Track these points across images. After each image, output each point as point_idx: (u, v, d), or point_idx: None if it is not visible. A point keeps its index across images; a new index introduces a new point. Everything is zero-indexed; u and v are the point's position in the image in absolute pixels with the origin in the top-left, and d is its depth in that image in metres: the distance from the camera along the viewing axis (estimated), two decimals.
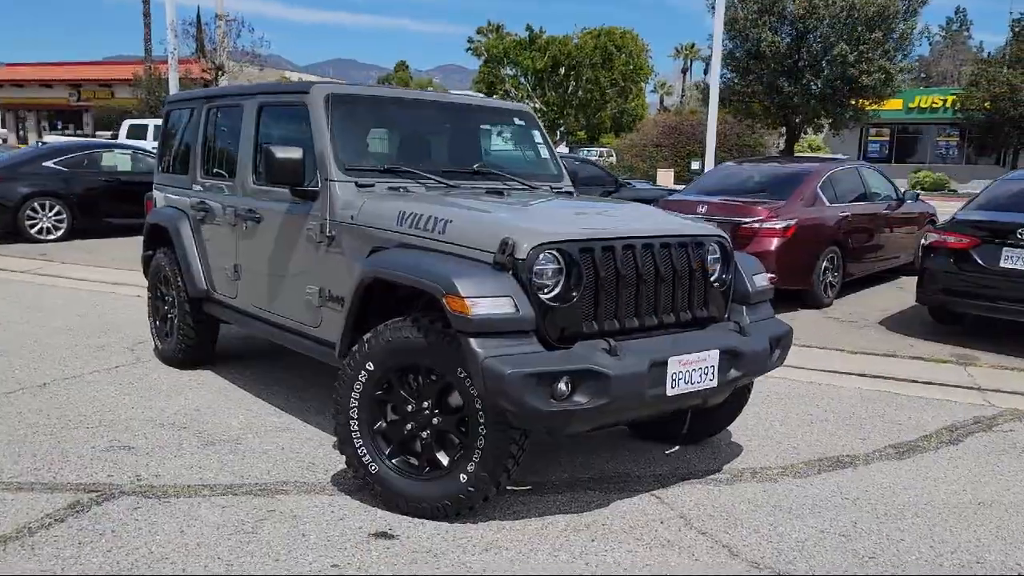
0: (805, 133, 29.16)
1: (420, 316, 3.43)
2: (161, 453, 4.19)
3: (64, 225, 12.61)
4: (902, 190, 10.55)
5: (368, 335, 3.56)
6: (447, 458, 3.46)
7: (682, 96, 69.75)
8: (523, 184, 4.73)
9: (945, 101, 37.82)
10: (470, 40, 47.97)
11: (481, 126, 5.04)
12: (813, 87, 25.69)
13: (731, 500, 3.81)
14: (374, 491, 3.58)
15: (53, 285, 9.14)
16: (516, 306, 3.21)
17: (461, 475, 3.37)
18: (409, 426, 3.52)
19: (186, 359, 5.74)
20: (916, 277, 7.83)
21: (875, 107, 27.61)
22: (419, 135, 4.88)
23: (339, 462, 4.07)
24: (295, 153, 4.13)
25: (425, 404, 3.47)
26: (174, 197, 5.80)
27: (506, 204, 4.14)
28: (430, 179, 4.39)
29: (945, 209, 12.23)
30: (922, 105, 38.97)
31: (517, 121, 5.09)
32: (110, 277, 9.68)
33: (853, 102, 26.05)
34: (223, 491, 3.74)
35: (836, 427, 4.92)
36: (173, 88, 17.58)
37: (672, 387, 3.40)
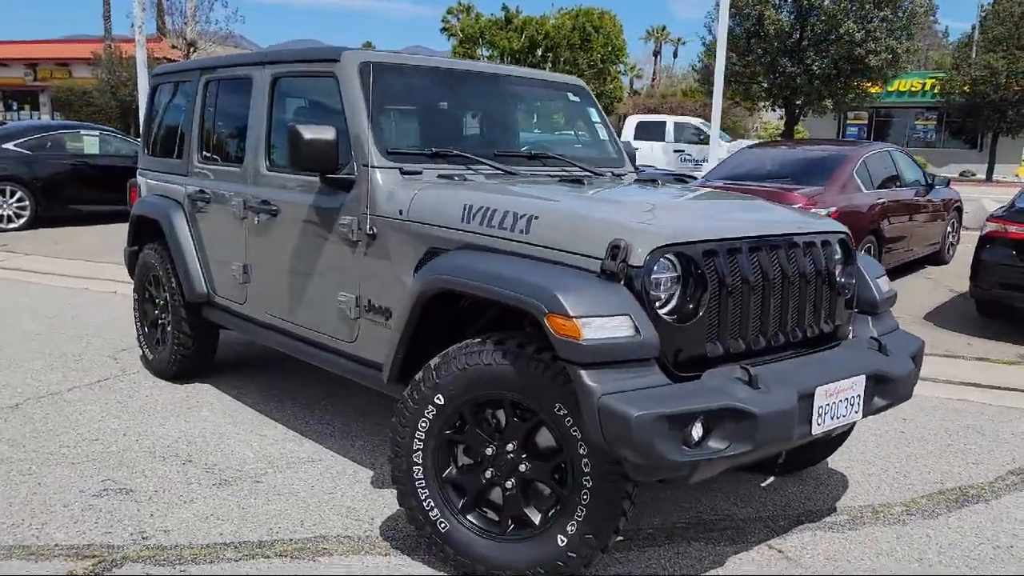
0: (805, 116, 28.53)
1: (505, 337, 2.74)
2: (166, 497, 3.46)
3: (27, 213, 11.65)
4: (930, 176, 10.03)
5: (435, 361, 2.87)
6: (538, 515, 2.78)
7: (653, 79, 69.35)
8: (587, 170, 4.05)
9: (924, 85, 37.67)
10: (444, 20, 46.83)
11: (533, 102, 4.33)
12: (816, 67, 24.98)
13: (864, 551, 3.18)
14: (443, 553, 2.89)
15: (17, 281, 8.27)
16: (636, 327, 2.53)
17: (559, 536, 2.70)
18: (488, 473, 2.83)
19: (181, 372, 4.98)
20: (942, 267, 7.29)
21: (878, 89, 27.01)
22: (467, 112, 4.16)
23: (383, 505, 3.39)
24: (327, 134, 3.40)
25: (509, 447, 2.78)
26: (165, 185, 5.02)
27: (599, 196, 3.46)
28: (485, 165, 3.68)
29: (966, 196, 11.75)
30: (900, 88, 38.81)
31: (571, 96, 4.39)
32: (81, 271, 8.81)
33: (857, 84, 25.47)
34: (251, 552, 3.03)
35: (937, 448, 4.32)
36: (141, 67, 16.47)
37: (818, 423, 2.76)
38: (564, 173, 3.96)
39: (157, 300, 5.09)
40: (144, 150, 5.39)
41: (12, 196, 11.53)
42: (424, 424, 2.86)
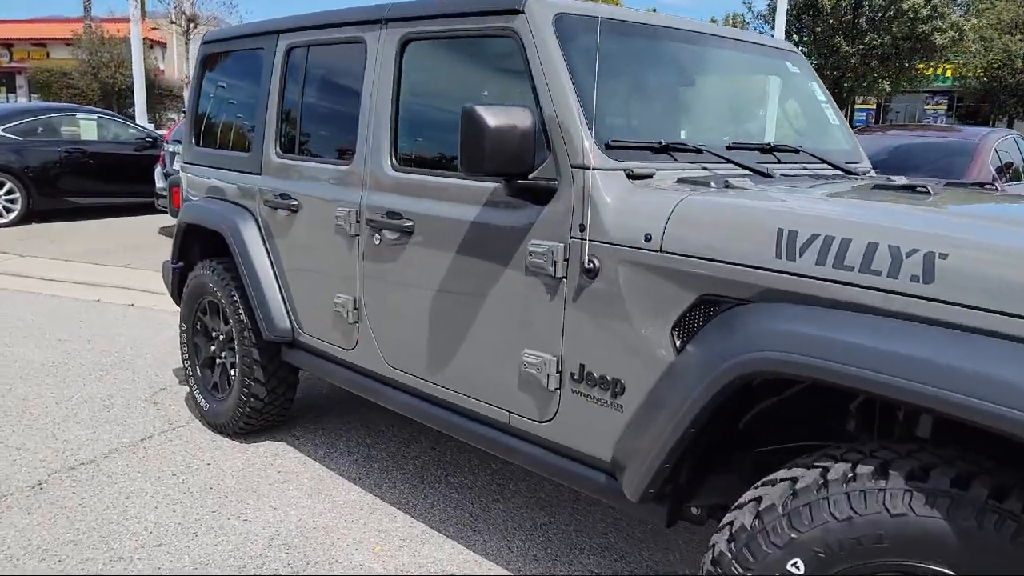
0: (855, 100, 27.05)
1: (924, 464, 1.64)
2: None
3: (18, 207, 10.39)
4: None
5: (776, 493, 1.76)
6: None
7: None
8: (835, 167, 2.95)
9: (935, 68, 36.77)
10: None
11: (747, 74, 3.20)
12: (875, 46, 23.45)
13: None
14: None
15: (15, 291, 7.05)
16: None
17: None
18: None
19: (250, 428, 3.84)
20: None
21: (936, 71, 25.62)
22: (688, 88, 3.03)
23: None
24: (521, 119, 2.29)
25: None
26: (225, 185, 3.86)
27: (991, 215, 2.36)
28: (725, 162, 2.57)
29: None
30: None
31: (790, 67, 3.27)
32: (87, 276, 7.61)
33: (915, 64, 24.06)
34: None
35: None
36: (135, 45, 15.15)
37: None
38: (808, 171, 2.86)
39: (215, 334, 3.94)
40: (191, 139, 4.21)
41: (1, 188, 10.26)
42: None
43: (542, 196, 2.41)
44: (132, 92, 15.91)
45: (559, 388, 2.41)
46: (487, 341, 2.61)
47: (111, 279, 7.56)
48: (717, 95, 3.09)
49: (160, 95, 33.85)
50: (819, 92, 3.30)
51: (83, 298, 6.81)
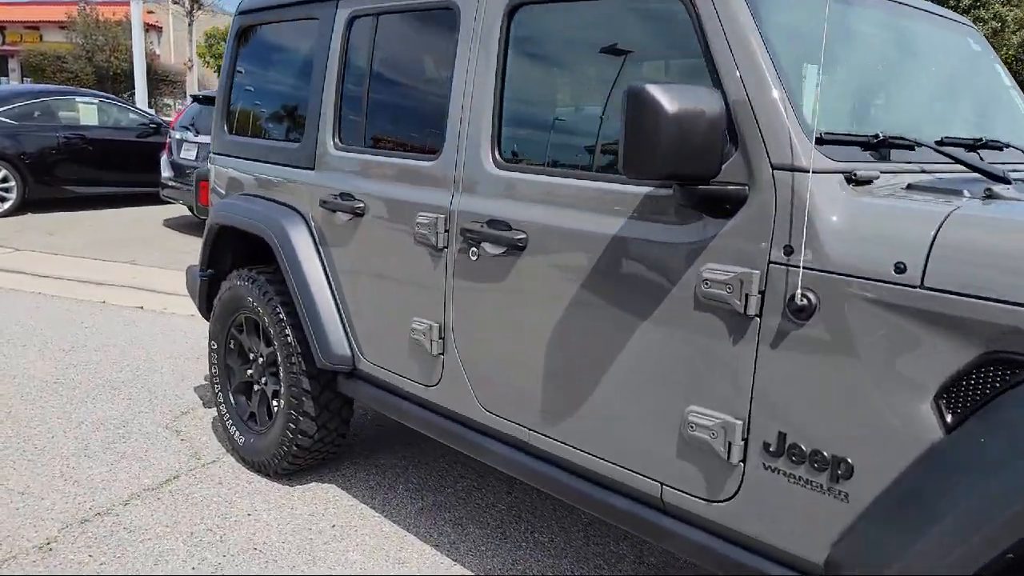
0: None
1: None
2: None
3: (13, 196, 9.75)
4: None
5: None
6: None
7: None
8: None
9: None
10: None
11: (930, 52, 2.60)
12: None
13: None
14: None
15: (12, 290, 6.43)
16: None
17: None
18: None
19: (295, 468, 3.26)
20: None
21: None
22: (885, 67, 2.42)
23: None
24: (709, 102, 1.71)
25: None
26: (267, 181, 3.26)
27: None
28: (950, 161, 1.98)
29: None
30: None
31: (972, 45, 2.68)
32: (90, 274, 6.99)
33: None
34: None
35: None
36: (136, 27, 14.45)
37: None
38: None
39: (253, 356, 3.35)
40: (222, 126, 3.60)
41: None
42: None
43: (723, 206, 1.82)
44: (127, 76, 15.33)
45: (743, 461, 1.83)
46: (633, 392, 2.03)
47: (116, 276, 6.95)
48: (913, 77, 2.49)
49: (156, 80, 33.09)
50: (1004, 76, 2.72)
51: (86, 298, 6.19)
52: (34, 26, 42.23)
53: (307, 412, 3.07)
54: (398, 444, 3.71)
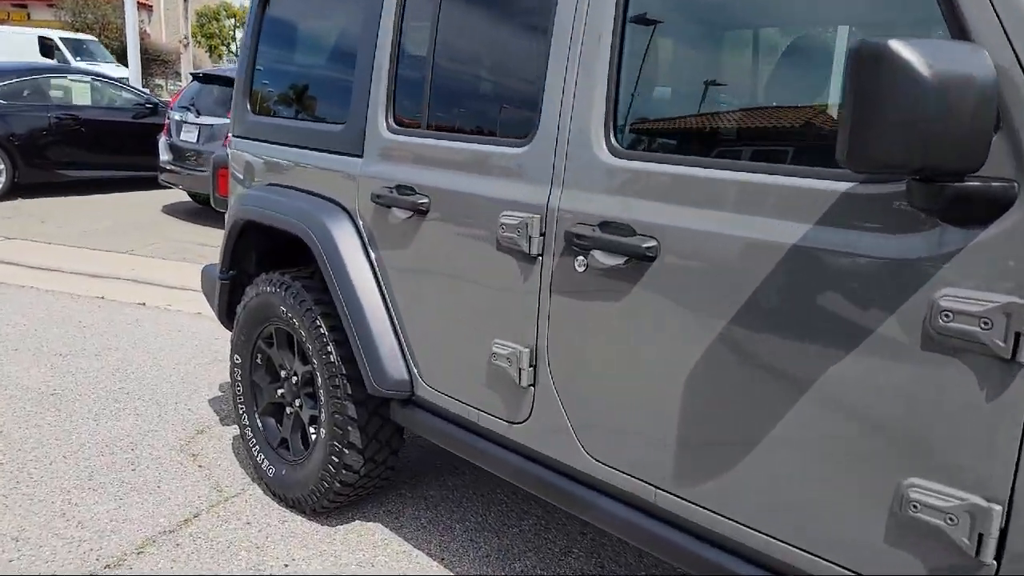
0: None
1: None
2: None
3: (2, 180, 9.21)
4: None
5: None
6: None
7: None
8: None
9: None
10: None
11: None
12: None
13: None
14: None
15: (2, 283, 5.92)
16: None
17: None
18: None
19: (337, 506, 2.78)
20: None
21: None
22: None
23: None
24: (979, 65, 1.22)
25: None
26: (302, 169, 2.76)
27: None
28: None
29: None
30: None
31: None
32: (86, 265, 6.49)
33: None
34: None
35: None
36: (129, 3, 13.82)
37: None
38: None
39: (286, 373, 2.87)
40: (244, 105, 3.09)
41: None
42: None
43: (977, 211, 1.33)
44: (118, 55, 14.68)
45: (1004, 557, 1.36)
46: (829, 458, 1.55)
47: (114, 269, 6.44)
48: None
49: (147, 60, 32.30)
50: None
51: (83, 293, 5.69)
52: (21, 4, 41.27)
53: (353, 444, 2.60)
54: (446, 471, 3.25)
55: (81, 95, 9.91)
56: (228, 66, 26.17)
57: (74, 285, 5.91)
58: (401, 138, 2.39)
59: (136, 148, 9.85)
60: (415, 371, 2.44)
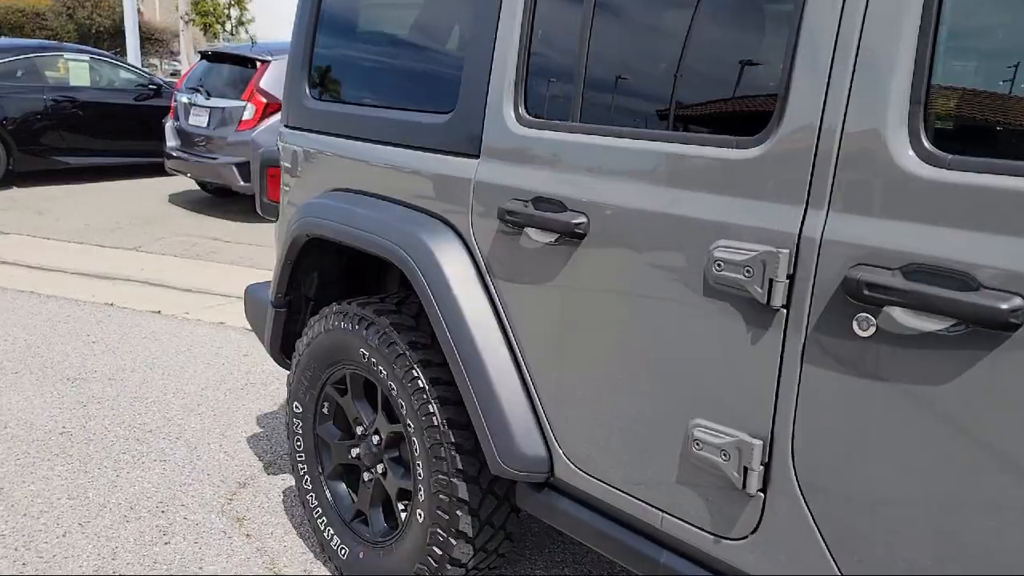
0: None
1: None
2: None
3: None
4: None
5: None
6: None
7: None
8: None
9: None
10: None
11: None
12: None
13: None
14: None
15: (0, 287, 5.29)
16: None
17: None
18: None
19: None
20: None
21: None
22: None
23: None
24: None
25: None
26: (391, 172, 2.12)
27: None
28: None
29: None
30: None
31: None
32: (90, 264, 5.86)
33: None
34: None
35: None
36: None
37: None
38: None
39: (364, 430, 2.25)
40: (302, 87, 2.44)
41: None
42: None
43: None
44: (111, 34, 13.92)
45: None
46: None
47: (121, 268, 5.81)
48: None
49: (141, 39, 31.42)
50: None
51: (89, 299, 5.06)
52: None
53: (463, 533, 1.99)
54: (542, 540, 2.64)
55: (79, 75, 9.20)
56: (223, 44, 25.29)
57: (79, 289, 5.28)
58: (539, 133, 1.76)
59: (138, 132, 9.19)
60: (556, 446, 1.82)
